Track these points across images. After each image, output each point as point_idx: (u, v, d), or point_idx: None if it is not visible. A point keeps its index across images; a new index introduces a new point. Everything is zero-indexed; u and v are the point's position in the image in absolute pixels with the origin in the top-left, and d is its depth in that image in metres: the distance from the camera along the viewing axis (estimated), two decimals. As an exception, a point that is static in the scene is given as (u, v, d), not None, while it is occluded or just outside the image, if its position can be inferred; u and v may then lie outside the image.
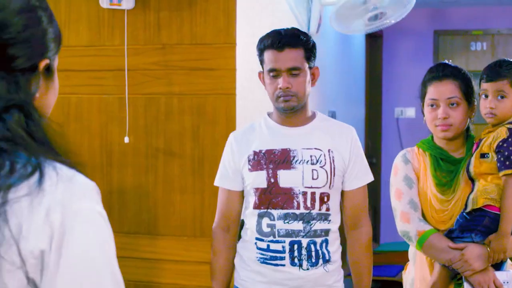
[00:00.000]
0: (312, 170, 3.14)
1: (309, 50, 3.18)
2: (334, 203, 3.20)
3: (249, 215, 3.24)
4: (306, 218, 3.13)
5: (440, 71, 3.25)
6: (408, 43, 9.18)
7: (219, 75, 4.16)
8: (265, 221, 3.16)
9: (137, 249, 4.34)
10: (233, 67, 4.13)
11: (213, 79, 4.17)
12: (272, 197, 3.15)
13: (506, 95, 3.09)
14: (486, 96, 3.14)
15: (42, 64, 1.45)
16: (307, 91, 3.18)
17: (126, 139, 4.28)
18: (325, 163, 3.16)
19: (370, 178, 3.29)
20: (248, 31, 4.32)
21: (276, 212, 3.14)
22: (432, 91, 3.23)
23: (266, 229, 3.16)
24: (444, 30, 9.15)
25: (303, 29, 4.97)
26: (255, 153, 3.20)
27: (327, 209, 3.17)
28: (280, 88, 3.11)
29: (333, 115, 6.50)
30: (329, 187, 3.16)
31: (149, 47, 4.29)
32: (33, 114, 1.38)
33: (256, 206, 3.19)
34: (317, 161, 3.15)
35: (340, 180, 3.20)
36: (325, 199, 3.16)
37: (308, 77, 3.18)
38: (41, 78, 1.45)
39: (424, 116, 3.33)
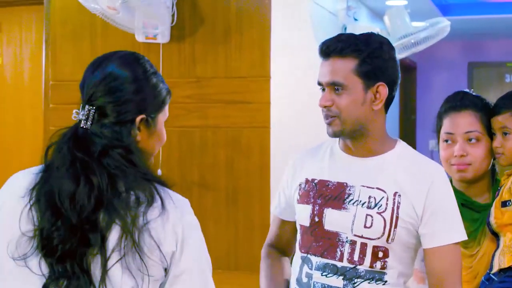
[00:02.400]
0: (366, 215, 2.43)
1: (368, 62, 2.42)
2: (397, 262, 2.45)
3: (296, 256, 2.63)
4: (348, 275, 2.43)
5: (458, 101, 2.77)
6: (442, 75, 9.16)
7: (253, 108, 4.17)
8: (305, 269, 2.52)
9: (171, 281, 4.33)
10: (268, 101, 4.14)
11: (248, 112, 4.18)
12: (313, 240, 2.50)
13: (510, 130, 2.65)
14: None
15: (138, 119, 1.97)
16: (358, 114, 2.43)
17: (159, 172, 4.29)
18: (386, 209, 2.42)
19: (456, 237, 2.45)
20: (283, 64, 4.33)
21: (315, 260, 2.49)
22: (448, 123, 2.76)
23: (304, 279, 2.53)
24: (478, 62, 9.13)
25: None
26: (307, 181, 2.57)
27: (383, 268, 2.43)
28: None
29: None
30: (387, 240, 2.42)
31: (184, 80, 4.32)
32: (134, 152, 1.94)
33: (300, 247, 2.58)
34: (375, 205, 2.44)
35: (409, 234, 2.44)
36: (380, 254, 2.43)
37: (361, 95, 2.43)
38: (141, 127, 1.98)
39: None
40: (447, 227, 2.43)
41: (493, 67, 9.12)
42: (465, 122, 2.71)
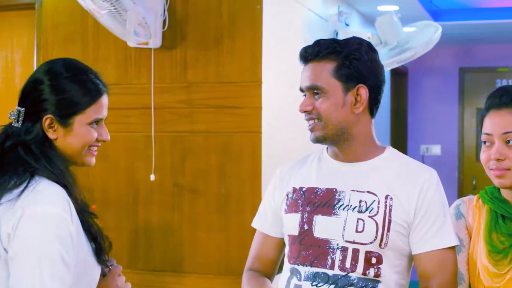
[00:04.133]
0: (358, 219, 2.35)
1: (346, 64, 2.38)
2: (391, 270, 2.36)
3: (284, 270, 2.50)
4: (340, 283, 2.33)
5: (497, 98, 2.42)
6: (434, 81, 9.19)
7: (245, 114, 4.18)
8: (293, 281, 2.40)
9: (163, 286, 4.34)
10: (259, 106, 4.15)
11: (239, 118, 4.19)
12: (302, 249, 2.39)
13: None
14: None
15: (44, 119, 2.18)
16: (339, 117, 2.39)
17: (152, 177, 4.29)
18: (377, 212, 2.34)
19: (447, 241, 2.36)
20: (274, 70, 4.34)
21: (303, 270, 2.38)
22: (487, 123, 2.41)
23: None
24: (469, 68, 9.15)
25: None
26: (294, 190, 2.49)
27: (377, 275, 2.33)
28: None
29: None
30: (380, 245, 2.33)
31: (176, 85, 4.32)
32: (33, 149, 2.16)
33: (288, 259, 2.46)
34: (366, 209, 2.35)
35: (402, 239, 2.36)
36: (373, 260, 2.33)
37: (340, 98, 2.38)
38: (55, 126, 2.19)
39: None
40: (436, 232, 2.35)
41: (484, 72, 9.14)
42: (503, 121, 2.36)
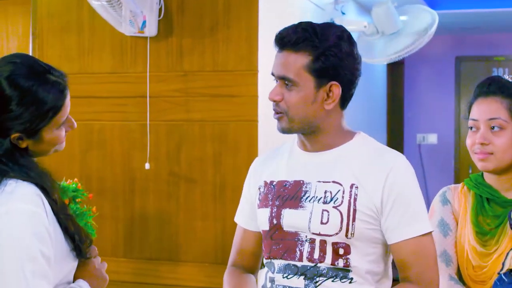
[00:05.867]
0: (322, 210, 2.29)
1: (322, 60, 2.28)
2: (362, 259, 2.30)
3: (263, 265, 2.49)
4: (309, 274, 2.30)
5: (485, 86, 2.59)
6: (430, 70, 9.18)
7: (241, 102, 4.17)
8: (269, 274, 2.40)
9: (158, 275, 4.34)
10: (255, 94, 4.14)
11: (235, 106, 4.18)
12: (273, 243, 2.38)
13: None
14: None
15: (12, 137, 2.11)
16: (307, 112, 2.31)
17: (147, 166, 4.29)
18: (342, 202, 2.28)
19: (421, 228, 2.28)
20: (270, 58, 4.32)
21: (277, 263, 2.36)
22: (475, 110, 2.57)
23: (268, 284, 2.39)
24: (465, 56, 9.14)
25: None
26: (265, 184, 2.46)
27: (346, 265, 2.28)
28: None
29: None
30: (346, 235, 2.27)
31: (171, 74, 4.32)
32: (5, 161, 2.10)
33: (264, 254, 2.46)
34: (331, 199, 2.30)
35: (371, 228, 2.29)
36: (341, 251, 2.28)
37: (311, 94, 2.29)
38: (24, 139, 2.13)
39: None
40: (409, 220, 2.27)
41: (480, 61, 9.13)
42: (489, 108, 2.52)
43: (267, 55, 4.28)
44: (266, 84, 4.23)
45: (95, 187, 4.40)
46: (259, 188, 2.48)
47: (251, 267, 2.56)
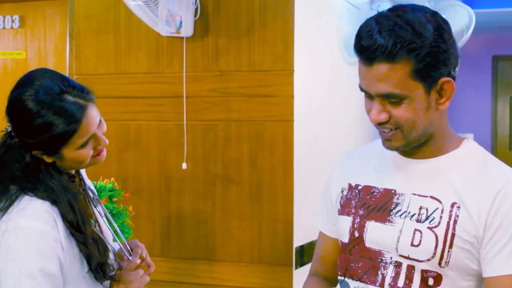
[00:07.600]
0: (415, 230, 1.95)
1: (428, 61, 1.88)
2: None
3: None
4: None
5: None
6: (466, 69, 9.10)
7: (277, 102, 4.17)
8: None
9: (195, 274, 4.35)
10: (291, 94, 4.13)
11: (271, 106, 4.18)
12: (352, 260, 2.06)
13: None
14: None
15: (35, 152, 2.17)
16: (424, 122, 1.96)
17: (184, 165, 4.30)
18: (439, 223, 1.93)
19: None
20: (306, 58, 4.32)
21: (353, 285, 2.05)
22: None
23: None
24: (503, 55, 9.07)
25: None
26: (350, 187, 2.15)
27: None
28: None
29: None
30: (440, 263, 1.92)
31: (208, 74, 4.32)
32: (33, 172, 2.16)
33: (338, 269, 2.15)
34: (426, 218, 1.95)
35: (469, 257, 1.93)
36: (430, 281, 1.93)
37: (424, 101, 1.93)
38: (47, 157, 2.18)
39: None
40: (510, 254, 1.88)
41: (518, 60, 9.07)
42: None
43: (303, 55, 4.27)
44: (302, 84, 4.23)
45: (131, 187, 4.42)
46: (341, 191, 2.18)
47: (333, 277, 2.22)
